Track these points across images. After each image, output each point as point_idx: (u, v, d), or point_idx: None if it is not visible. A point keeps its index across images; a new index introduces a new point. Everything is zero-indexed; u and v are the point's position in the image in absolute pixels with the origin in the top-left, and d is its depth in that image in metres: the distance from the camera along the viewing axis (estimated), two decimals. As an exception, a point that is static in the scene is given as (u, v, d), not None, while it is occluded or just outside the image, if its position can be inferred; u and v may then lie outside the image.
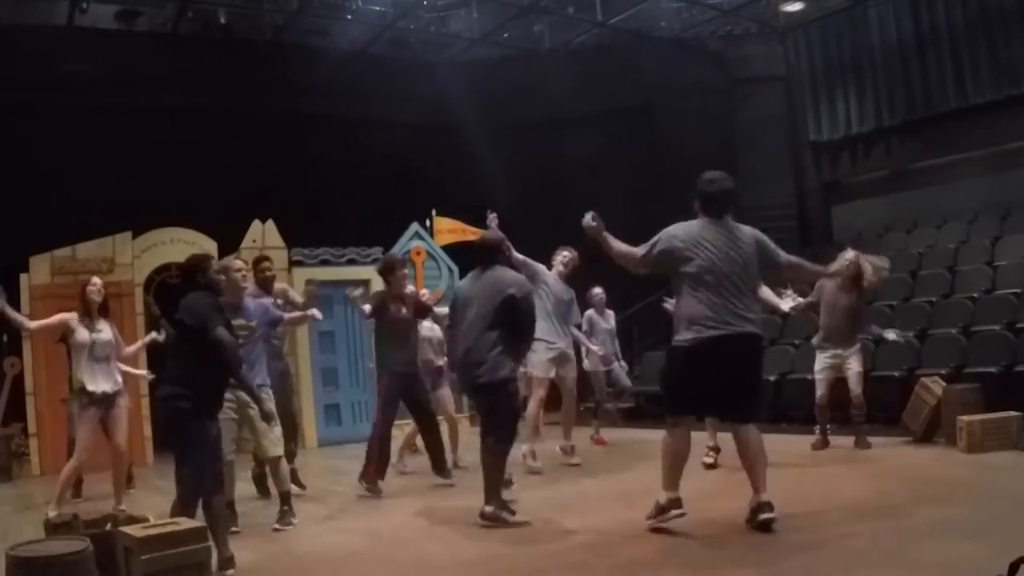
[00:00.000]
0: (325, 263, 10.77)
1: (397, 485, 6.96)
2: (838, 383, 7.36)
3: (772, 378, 9.07)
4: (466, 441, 7.62)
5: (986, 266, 9.83)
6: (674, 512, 4.74)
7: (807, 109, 13.38)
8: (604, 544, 4.68)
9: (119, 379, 6.55)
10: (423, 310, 7.18)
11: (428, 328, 7.75)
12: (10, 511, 7.12)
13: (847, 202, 13.44)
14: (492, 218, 6.74)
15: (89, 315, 6.40)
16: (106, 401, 6.36)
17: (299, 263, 10.77)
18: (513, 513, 5.30)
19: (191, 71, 11.65)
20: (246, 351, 5.29)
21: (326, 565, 4.75)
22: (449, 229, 11.75)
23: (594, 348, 8.49)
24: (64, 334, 6.44)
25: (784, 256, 5.03)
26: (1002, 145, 11.21)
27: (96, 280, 6.58)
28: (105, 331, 6.45)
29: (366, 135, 12.18)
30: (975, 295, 9.15)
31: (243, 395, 5.22)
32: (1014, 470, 5.86)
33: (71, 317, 6.38)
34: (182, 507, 4.46)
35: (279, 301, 6.54)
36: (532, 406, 7.42)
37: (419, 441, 7.52)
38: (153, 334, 7.19)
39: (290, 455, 6.50)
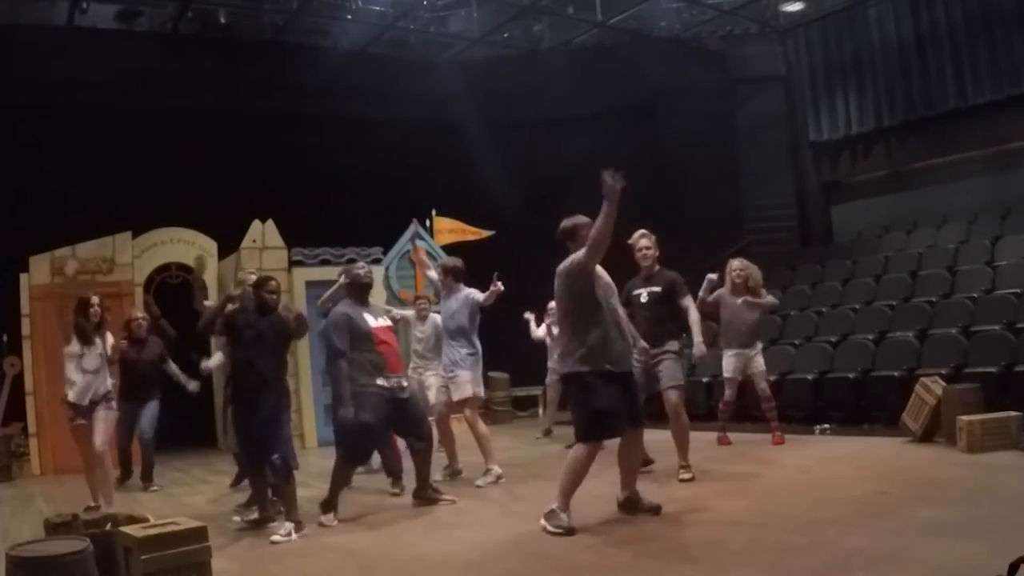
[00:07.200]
0: (325, 263, 10.76)
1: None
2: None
3: (772, 378, 9.07)
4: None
5: (986, 266, 9.81)
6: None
7: (807, 109, 13.37)
8: (604, 544, 4.68)
9: None
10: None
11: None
12: (10, 511, 7.12)
13: (847, 202, 13.42)
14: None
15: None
16: None
17: (299, 263, 10.78)
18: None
19: (191, 71, 11.65)
20: None
21: (323, 565, 4.75)
22: (449, 229, 11.74)
23: None
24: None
25: None
26: (1002, 145, 11.21)
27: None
28: None
29: (366, 135, 12.17)
30: (975, 295, 9.13)
31: None
32: (1014, 470, 5.85)
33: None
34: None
35: None
36: None
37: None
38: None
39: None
